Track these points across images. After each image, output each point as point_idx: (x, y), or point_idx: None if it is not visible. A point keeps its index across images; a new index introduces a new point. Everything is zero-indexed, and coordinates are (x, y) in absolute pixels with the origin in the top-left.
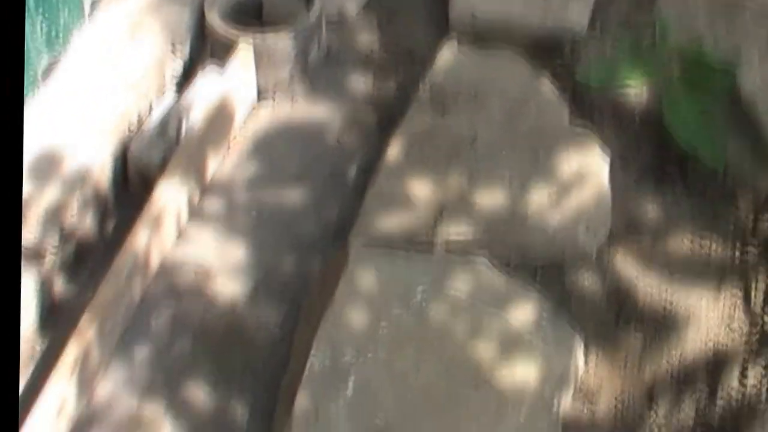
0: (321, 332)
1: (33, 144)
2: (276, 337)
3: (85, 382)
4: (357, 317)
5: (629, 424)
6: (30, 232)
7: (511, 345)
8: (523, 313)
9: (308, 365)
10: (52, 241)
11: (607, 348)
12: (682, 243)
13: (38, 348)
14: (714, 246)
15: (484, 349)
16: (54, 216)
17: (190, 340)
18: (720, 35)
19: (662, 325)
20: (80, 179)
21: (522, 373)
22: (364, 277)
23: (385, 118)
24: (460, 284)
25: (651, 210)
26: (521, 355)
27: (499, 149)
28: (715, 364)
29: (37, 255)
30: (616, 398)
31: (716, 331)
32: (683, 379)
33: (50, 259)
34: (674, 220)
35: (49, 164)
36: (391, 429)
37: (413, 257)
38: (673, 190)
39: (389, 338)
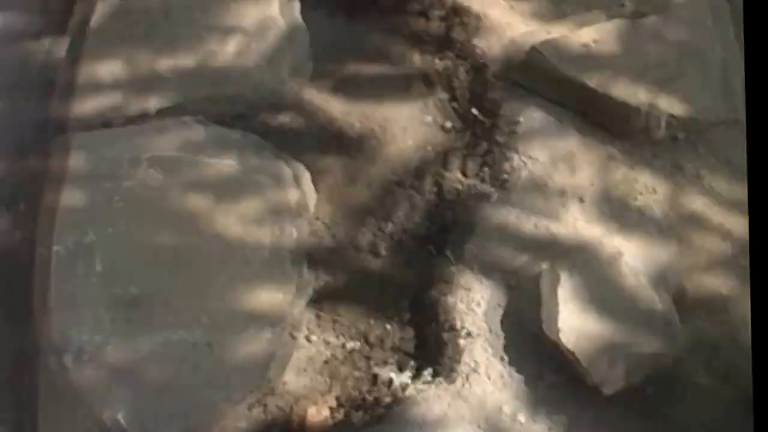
0: (59, 221)
1: None
2: (13, 240)
3: None
4: (89, 199)
5: (368, 236)
6: None
7: (238, 189)
8: (243, 157)
9: (54, 254)
10: None
11: (330, 173)
12: (380, 61)
13: None
14: (414, 59)
15: (215, 200)
16: None
17: None
18: None
19: (376, 140)
20: None
21: (254, 212)
22: (89, 159)
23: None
24: (179, 145)
25: (346, 37)
26: (250, 197)
27: (191, 13)
28: (433, 163)
29: None
30: (350, 217)
31: (427, 133)
32: (407, 184)
33: None
34: (370, 42)
35: None
36: (145, 296)
37: (130, 131)
38: (363, 14)
39: (125, 211)
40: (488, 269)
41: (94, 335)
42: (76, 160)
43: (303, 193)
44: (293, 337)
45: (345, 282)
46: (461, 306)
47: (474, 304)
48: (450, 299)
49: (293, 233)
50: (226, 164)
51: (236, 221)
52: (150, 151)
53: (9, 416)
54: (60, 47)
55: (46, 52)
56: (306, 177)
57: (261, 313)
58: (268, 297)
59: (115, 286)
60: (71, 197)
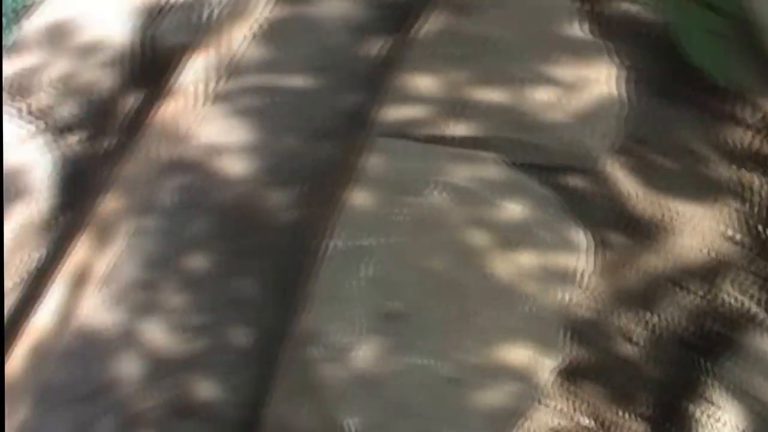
0: (338, 216)
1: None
2: (289, 218)
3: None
4: (373, 204)
5: (628, 321)
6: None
7: (520, 237)
8: (532, 208)
9: (325, 247)
10: (71, 110)
11: (609, 249)
12: (685, 155)
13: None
14: (714, 159)
15: (495, 241)
16: (72, 86)
17: (203, 218)
18: None
19: (661, 231)
20: (101, 53)
21: (529, 264)
22: (381, 165)
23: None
24: (472, 177)
25: (657, 121)
26: (529, 248)
27: (514, 51)
28: (712, 271)
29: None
30: (616, 297)
31: (713, 239)
32: (680, 283)
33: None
34: (679, 132)
35: (66, 35)
36: (403, 313)
37: (428, 149)
38: (679, 103)
39: (403, 225)
40: (740, 392)
41: (343, 336)
42: (369, 162)
43: (579, 261)
44: (532, 398)
45: (594, 359)
46: (703, 419)
47: (716, 422)
48: (692, 408)
49: (560, 297)
50: (514, 210)
51: (510, 268)
52: (441, 175)
53: (248, 389)
54: (379, 46)
55: (367, 47)
56: (584, 245)
57: (511, 365)
58: (521, 352)
59: (376, 296)
60: (356, 196)
